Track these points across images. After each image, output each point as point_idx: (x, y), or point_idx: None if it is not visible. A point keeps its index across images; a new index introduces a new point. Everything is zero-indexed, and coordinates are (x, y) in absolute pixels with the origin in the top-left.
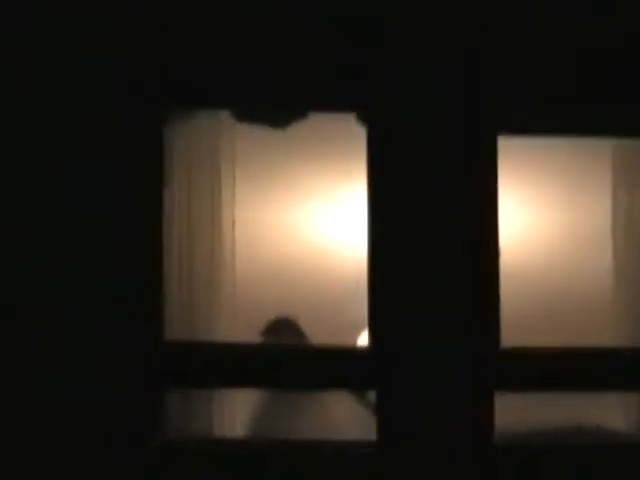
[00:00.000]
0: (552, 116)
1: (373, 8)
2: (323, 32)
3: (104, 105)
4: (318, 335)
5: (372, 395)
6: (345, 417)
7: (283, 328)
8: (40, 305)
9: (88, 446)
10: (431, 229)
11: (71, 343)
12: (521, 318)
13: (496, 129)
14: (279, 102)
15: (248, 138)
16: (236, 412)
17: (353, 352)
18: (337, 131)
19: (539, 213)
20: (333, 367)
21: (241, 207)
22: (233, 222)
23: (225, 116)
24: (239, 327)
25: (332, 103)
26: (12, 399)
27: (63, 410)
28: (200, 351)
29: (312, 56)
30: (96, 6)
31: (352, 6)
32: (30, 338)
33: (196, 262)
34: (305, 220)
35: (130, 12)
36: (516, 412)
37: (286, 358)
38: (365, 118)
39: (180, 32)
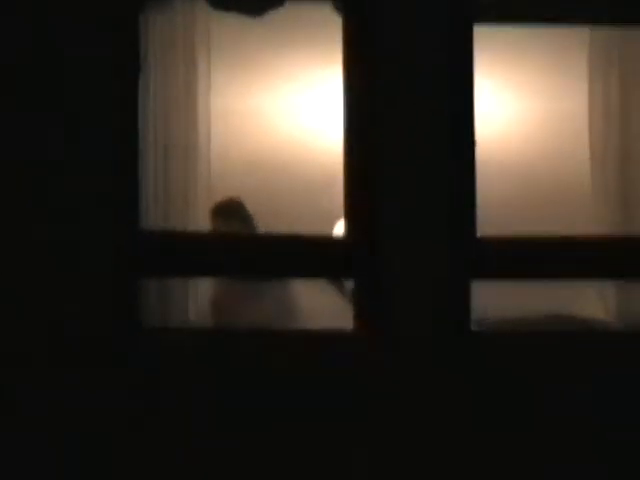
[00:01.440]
0: (528, 3)
1: None
2: None
3: None
4: (294, 224)
5: (350, 284)
6: (322, 306)
7: (230, 210)
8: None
9: (65, 332)
10: (408, 118)
11: (51, 234)
12: (498, 207)
13: (472, 16)
14: None
15: (223, 26)
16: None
17: (329, 240)
18: (313, 19)
19: (516, 100)
20: (311, 255)
21: (217, 96)
22: (209, 111)
23: (200, 4)
24: None
25: None
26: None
27: (42, 294)
28: (175, 241)
29: None
30: None
31: None
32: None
33: (172, 151)
34: (281, 108)
35: None
36: (493, 300)
37: (262, 246)
38: (341, 8)
39: None
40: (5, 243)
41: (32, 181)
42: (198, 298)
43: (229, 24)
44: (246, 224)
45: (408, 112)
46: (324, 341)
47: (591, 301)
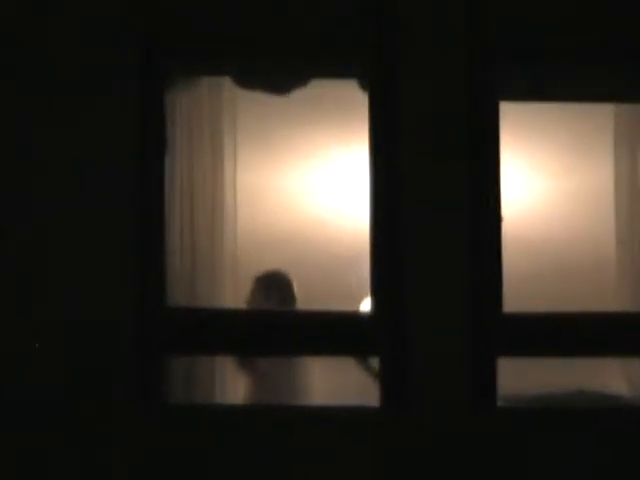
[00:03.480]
0: (555, 82)
1: None
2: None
3: (107, 74)
4: (320, 301)
5: (375, 362)
6: (348, 383)
7: (274, 282)
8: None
9: (86, 407)
10: (433, 195)
11: (73, 310)
12: (524, 283)
13: (498, 94)
14: (281, 69)
15: (249, 104)
16: (238, 378)
17: (356, 318)
18: (339, 96)
19: (542, 179)
20: (337, 333)
21: (243, 172)
22: (235, 187)
23: (227, 82)
24: (241, 293)
25: (334, 69)
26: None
27: (69, 370)
28: (202, 317)
29: (314, 23)
30: None
31: None
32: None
33: (198, 227)
34: (307, 185)
35: None
36: (518, 376)
37: (290, 324)
38: (367, 84)
39: (184, 2)
40: (29, 322)
41: (59, 260)
42: (223, 375)
43: (255, 102)
44: (289, 298)
45: (433, 189)
46: (350, 417)
47: (615, 377)
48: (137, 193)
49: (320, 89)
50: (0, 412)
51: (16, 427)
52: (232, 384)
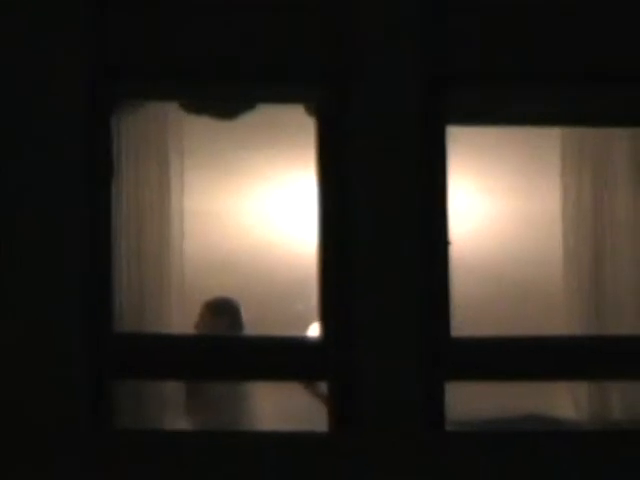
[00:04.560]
0: (501, 106)
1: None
2: (272, 28)
3: (55, 97)
4: (267, 326)
5: (323, 386)
6: (297, 409)
7: (222, 307)
8: None
9: (36, 433)
10: (381, 218)
11: (21, 336)
12: (472, 307)
13: (445, 118)
14: (228, 94)
15: (196, 128)
16: (185, 403)
17: (305, 343)
18: (285, 121)
19: (489, 200)
20: (285, 358)
21: (190, 197)
22: (182, 212)
23: (173, 107)
24: (189, 318)
25: (280, 95)
26: None
27: (14, 399)
28: (150, 343)
29: (261, 52)
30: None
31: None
32: None
33: (145, 253)
34: (254, 210)
35: (82, 12)
36: (467, 401)
37: (238, 349)
38: (314, 109)
39: (131, 27)
40: None
41: (7, 286)
42: (172, 400)
43: (202, 126)
44: (237, 325)
45: (380, 212)
46: (298, 443)
47: (564, 401)
48: (84, 218)
49: (267, 114)
50: None
51: None
52: (181, 409)
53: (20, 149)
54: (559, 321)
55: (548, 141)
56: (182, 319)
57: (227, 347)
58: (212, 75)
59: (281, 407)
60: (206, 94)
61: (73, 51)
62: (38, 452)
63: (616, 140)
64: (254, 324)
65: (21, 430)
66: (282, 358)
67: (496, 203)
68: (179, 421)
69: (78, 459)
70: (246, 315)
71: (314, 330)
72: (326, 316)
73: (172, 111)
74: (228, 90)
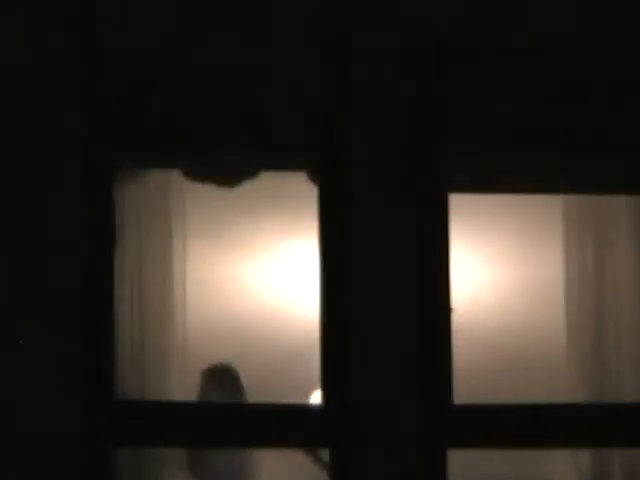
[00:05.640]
0: (503, 174)
1: (327, 73)
2: (273, 95)
3: (55, 164)
4: (270, 393)
5: (325, 453)
6: (299, 476)
7: (220, 375)
8: None
9: None
10: (382, 288)
11: (23, 407)
12: (474, 375)
13: (447, 186)
14: (229, 163)
15: (198, 195)
16: (187, 471)
17: (306, 410)
18: (288, 189)
19: (491, 269)
20: (287, 426)
21: (192, 264)
22: (184, 280)
23: (175, 175)
24: (191, 386)
25: (283, 163)
26: None
27: (12, 465)
28: (151, 411)
29: (263, 118)
30: (47, 60)
31: (304, 72)
32: None
33: (147, 321)
34: (257, 278)
35: (82, 67)
36: (469, 468)
37: (240, 416)
38: (316, 177)
39: (130, 95)
40: None
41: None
42: (173, 469)
43: (204, 193)
44: (236, 391)
45: (383, 282)
46: None
47: (565, 468)
48: (86, 286)
49: (270, 181)
50: None
51: None
52: (182, 477)
53: (23, 215)
54: (561, 389)
55: (550, 208)
56: (184, 386)
57: (228, 414)
58: (214, 142)
59: (282, 474)
60: (208, 161)
61: (75, 120)
62: None
63: (618, 206)
64: (256, 391)
65: None
66: (284, 425)
67: (498, 270)
68: None
69: None
70: (248, 382)
71: (317, 397)
72: (327, 383)
73: (174, 178)
74: (230, 157)
